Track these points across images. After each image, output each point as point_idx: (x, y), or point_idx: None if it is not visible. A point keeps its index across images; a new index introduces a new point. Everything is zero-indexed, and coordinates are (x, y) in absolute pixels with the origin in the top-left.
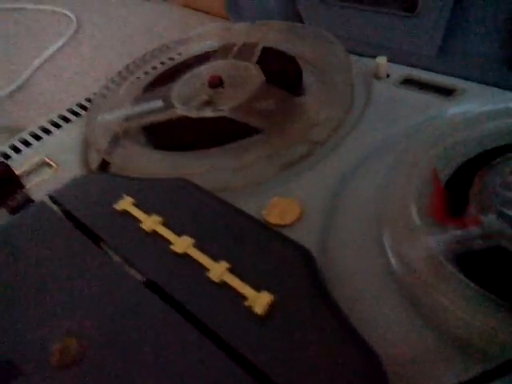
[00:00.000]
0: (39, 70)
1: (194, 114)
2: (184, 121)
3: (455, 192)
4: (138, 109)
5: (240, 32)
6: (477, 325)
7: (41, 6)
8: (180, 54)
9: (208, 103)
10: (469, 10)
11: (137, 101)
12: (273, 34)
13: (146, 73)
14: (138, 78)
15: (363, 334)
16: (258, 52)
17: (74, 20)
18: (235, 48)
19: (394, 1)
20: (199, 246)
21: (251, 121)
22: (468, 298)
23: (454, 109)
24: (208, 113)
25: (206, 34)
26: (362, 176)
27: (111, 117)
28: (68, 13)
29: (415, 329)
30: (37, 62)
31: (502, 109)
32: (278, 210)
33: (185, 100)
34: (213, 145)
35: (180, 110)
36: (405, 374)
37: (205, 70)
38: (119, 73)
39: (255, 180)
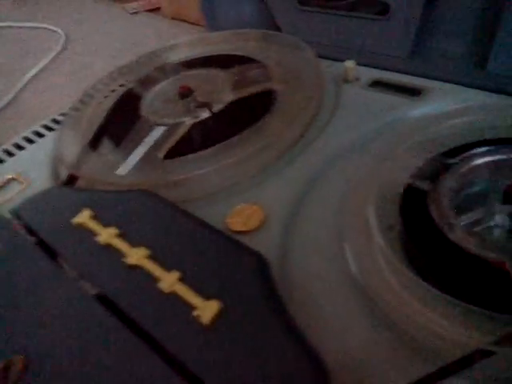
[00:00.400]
0: (28, 86)
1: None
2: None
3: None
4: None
5: (216, 42)
6: (430, 325)
7: (29, 24)
8: (157, 66)
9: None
10: (439, 11)
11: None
12: (247, 43)
13: (118, 87)
14: (107, 96)
15: (321, 338)
16: (228, 61)
17: (63, 36)
18: (212, 59)
19: (366, 5)
20: (153, 257)
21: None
22: (423, 299)
23: (421, 109)
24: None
25: (181, 44)
26: (325, 181)
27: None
28: (56, 29)
29: (373, 331)
30: (25, 79)
31: (467, 107)
32: (241, 217)
33: (159, 111)
34: (183, 153)
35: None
36: (360, 375)
37: (174, 82)
38: (93, 87)
39: (221, 187)
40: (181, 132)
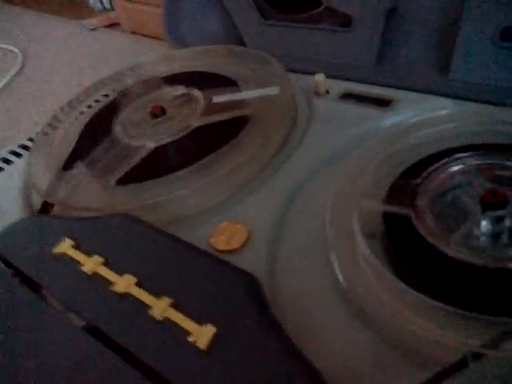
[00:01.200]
0: None
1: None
2: (127, 152)
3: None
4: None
5: (182, 59)
6: (419, 330)
7: None
8: (114, 91)
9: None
10: (400, 21)
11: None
12: (213, 59)
13: (87, 109)
14: (76, 118)
15: (314, 352)
16: (196, 78)
17: (20, 55)
18: (178, 76)
19: (330, 17)
20: (141, 284)
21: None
22: (412, 306)
23: (391, 119)
24: (132, 144)
25: (146, 63)
26: (306, 195)
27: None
28: (13, 48)
29: (364, 341)
30: None
31: (436, 116)
32: (225, 236)
33: (129, 134)
34: (158, 175)
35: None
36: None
37: (144, 102)
38: (61, 109)
39: (203, 206)
40: (156, 152)
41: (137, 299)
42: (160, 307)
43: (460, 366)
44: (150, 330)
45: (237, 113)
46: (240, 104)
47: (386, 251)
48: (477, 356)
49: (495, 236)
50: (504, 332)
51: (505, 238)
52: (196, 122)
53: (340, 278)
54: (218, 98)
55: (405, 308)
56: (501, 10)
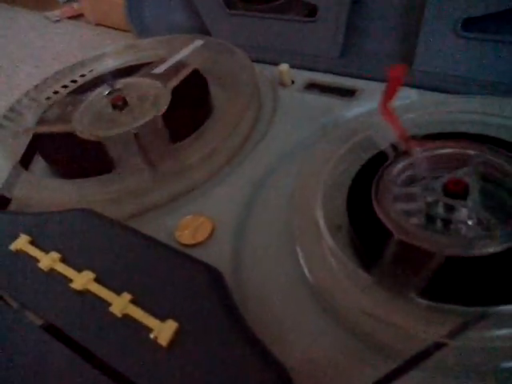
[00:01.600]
0: None
1: (82, 133)
2: (86, 144)
3: (361, 193)
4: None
5: (145, 49)
6: (385, 322)
7: None
8: (83, 76)
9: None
10: (365, 11)
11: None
12: (177, 49)
13: (45, 100)
14: (34, 110)
15: (279, 346)
16: (160, 68)
17: None
18: (144, 66)
19: (295, 7)
20: (101, 280)
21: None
22: (377, 298)
23: (355, 109)
24: (91, 135)
25: (108, 53)
26: (271, 186)
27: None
28: None
29: (329, 334)
30: None
31: (397, 106)
32: (189, 230)
33: (88, 124)
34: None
35: (85, 135)
36: (321, 377)
37: (106, 92)
38: (18, 101)
39: (167, 199)
40: (118, 144)
41: (96, 296)
42: (120, 304)
43: (423, 356)
44: (109, 328)
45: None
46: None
47: (352, 242)
48: (439, 346)
49: (455, 224)
50: (466, 321)
51: (464, 228)
52: (163, 107)
53: (306, 270)
54: (158, 70)
55: (369, 300)
56: (462, 0)
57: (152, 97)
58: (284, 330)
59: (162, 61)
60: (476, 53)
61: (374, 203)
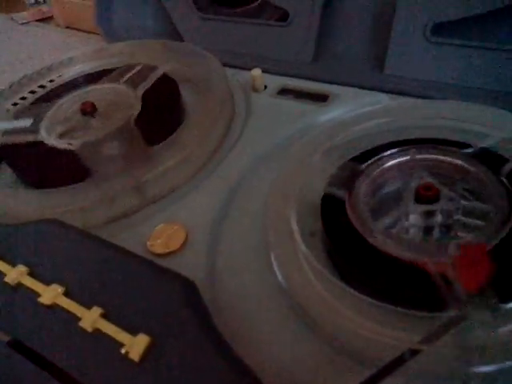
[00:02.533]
0: None
1: (68, 145)
2: (55, 153)
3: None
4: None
5: (115, 53)
6: (360, 330)
7: None
8: (52, 81)
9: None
10: (338, 15)
11: None
12: (148, 54)
13: (12, 106)
14: (8, 110)
15: (254, 355)
16: (130, 73)
17: None
18: (113, 72)
19: (267, 11)
20: (70, 294)
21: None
22: (350, 305)
23: (328, 114)
24: (61, 143)
25: (77, 58)
26: (246, 192)
27: None
28: None
29: (304, 342)
30: None
31: (372, 111)
32: (162, 238)
33: (56, 132)
34: (88, 177)
35: (52, 143)
36: None
37: (75, 98)
38: None
39: (138, 207)
40: (87, 151)
41: (65, 310)
42: (90, 318)
43: (398, 363)
44: (79, 343)
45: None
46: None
47: (326, 249)
48: (414, 352)
49: (426, 230)
50: (440, 327)
51: (435, 233)
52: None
53: (280, 277)
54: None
55: (343, 307)
56: (432, 5)
57: (122, 102)
58: (259, 338)
59: (132, 66)
60: (446, 58)
61: (348, 211)
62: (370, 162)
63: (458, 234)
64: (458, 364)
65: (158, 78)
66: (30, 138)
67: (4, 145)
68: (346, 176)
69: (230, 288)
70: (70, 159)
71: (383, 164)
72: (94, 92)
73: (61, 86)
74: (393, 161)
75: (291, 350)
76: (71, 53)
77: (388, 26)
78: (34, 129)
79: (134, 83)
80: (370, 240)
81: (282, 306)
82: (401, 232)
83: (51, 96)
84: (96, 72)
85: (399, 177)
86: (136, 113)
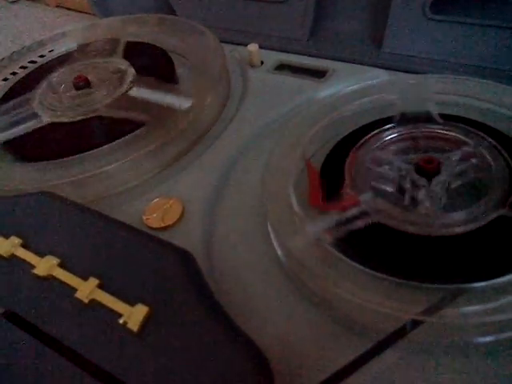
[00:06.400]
0: None
1: (64, 118)
2: (50, 128)
3: (333, 173)
4: None
5: (108, 28)
6: (360, 301)
7: None
8: (42, 57)
9: (78, 106)
10: None
11: None
12: (143, 28)
13: (2, 82)
14: None
15: (254, 326)
16: (124, 47)
17: None
18: (100, 45)
19: None
20: (65, 265)
21: (130, 115)
22: (351, 278)
23: (326, 90)
24: (79, 116)
25: (69, 33)
26: (242, 167)
27: None
28: None
29: (305, 313)
30: None
31: (368, 86)
32: (158, 213)
33: (50, 106)
34: (84, 150)
35: (46, 117)
36: (296, 357)
37: (68, 73)
38: None
39: (134, 182)
40: (79, 126)
41: (61, 282)
42: (86, 289)
43: (399, 334)
44: (76, 314)
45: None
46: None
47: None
48: (416, 324)
49: (429, 201)
50: (442, 298)
51: (438, 203)
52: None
53: (278, 250)
54: (135, 92)
55: (344, 279)
56: None
57: (116, 76)
58: (258, 311)
59: (125, 40)
60: (444, 35)
61: (347, 182)
62: (368, 136)
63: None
64: (458, 336)
65: (154, 54)
66: (35, 124)
67: None
68: (344, 149)
69: (227, 262)
70: (64, 133)
71: (383, 138)
72: (88, 66)
73: (53, 60)
74: (391, 136)
75: (290, 321)
76: (60, 30)
77: (386, 4)
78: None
79: (128, 57)
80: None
81: (281, 278)
82: (401, 203)
83: (43, 71)
84: (86, 45)
85: (397, 151)
86: (130, 87)
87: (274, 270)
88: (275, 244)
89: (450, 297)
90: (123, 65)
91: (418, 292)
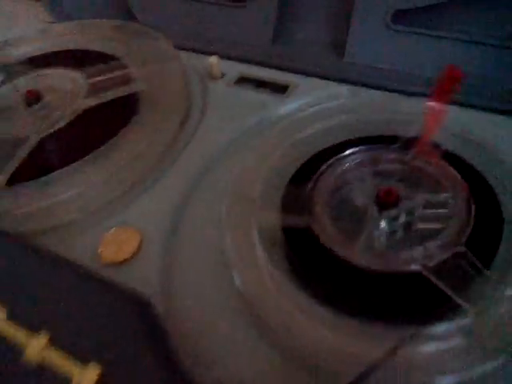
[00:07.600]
0: None
1: None
2: None
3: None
4: None
5: (61, 34)
6: (321, 342)
7: None
8: None
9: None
10: None
11: None
12: (97, 35)
13: None
14: None
15: (214, 369)
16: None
17: None
18: (55, 55)
19: None
20: (13, 318)
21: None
22: (309, 314)
23: (288, 106)
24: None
25: (20, 39)
26: (202, 190)
27: None
28: None
29: (266, 355)
30: None
31: (330, 107)
32: (114, 245)
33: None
34: (33, 177)
35: None
36: None
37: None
38: None
39: (89, 209)
40: (28, 148)
41: (7, 338)
42: (36, 346)
43: (363, 377)
44: (23, 378)
45: (128, 88)
46: (129, 79)
47: (288, 260)
48: (376, 366)
49: (393, 235)
50: (403, 338)
51: (401, 236)
52: (83, 103)
53: (240, 286)
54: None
55: (306, 319)
56: None
57: (71, 93)
58: (218, 352)
59: (81, 49)
60: (407, 47)
61: (310, 221)
62: (325, 166)
63: (420, 226)
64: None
65: (109, 63)
66: None
67: None
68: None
69: (186, 298)
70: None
71: (339, 168)
72: (39, 78)
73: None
74: (347, 164)
75: (251, 363)
76: (9, 30)
77: (349, 12)
78: None
79: (84, 70)
80: (333, 249)
81: (240, 313)
82: (364, 239)
83: None
84: (40, 55)
85: (356, 180)
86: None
87: (234, 307)
88: (236, 279)
89: (408, 337)
90: (79, 76)
91: (381, 331)
